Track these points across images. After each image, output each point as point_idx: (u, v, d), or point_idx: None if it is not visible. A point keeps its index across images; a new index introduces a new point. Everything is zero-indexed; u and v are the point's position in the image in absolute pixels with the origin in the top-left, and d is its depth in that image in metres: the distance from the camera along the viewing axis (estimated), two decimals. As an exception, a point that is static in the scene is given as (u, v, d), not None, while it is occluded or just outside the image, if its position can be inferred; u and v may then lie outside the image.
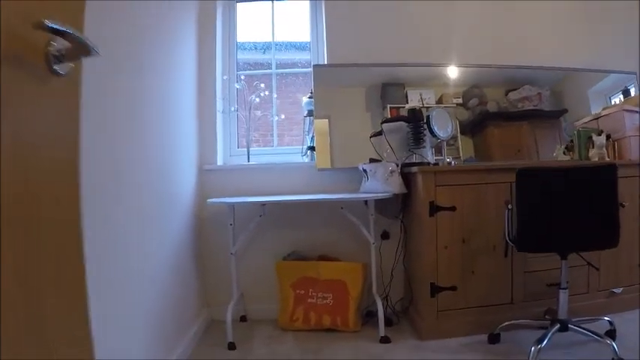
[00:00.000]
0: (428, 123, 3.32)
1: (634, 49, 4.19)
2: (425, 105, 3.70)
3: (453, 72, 3.79)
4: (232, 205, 3.30)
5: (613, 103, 4.09)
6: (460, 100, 3.77)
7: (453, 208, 3.07)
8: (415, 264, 3.34)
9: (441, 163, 3.34)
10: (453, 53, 3.84)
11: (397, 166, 3.23)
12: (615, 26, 4.15)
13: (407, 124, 3.42)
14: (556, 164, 3.27)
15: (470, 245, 3.07)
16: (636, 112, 3.63)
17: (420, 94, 3.72)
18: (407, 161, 3.37)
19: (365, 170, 3.33)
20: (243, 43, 4.04)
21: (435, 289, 3.05)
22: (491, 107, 3.80)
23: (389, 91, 3.74)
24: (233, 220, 3.28)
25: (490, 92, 3.83)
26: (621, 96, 4.09)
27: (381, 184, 3.23)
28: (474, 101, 3.84)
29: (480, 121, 3.80)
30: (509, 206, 2.71)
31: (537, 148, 3.88)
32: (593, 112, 3.92)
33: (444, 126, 3.40)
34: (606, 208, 2.53)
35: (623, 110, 3.61)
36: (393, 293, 3.55)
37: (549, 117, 3.93)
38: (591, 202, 2.49)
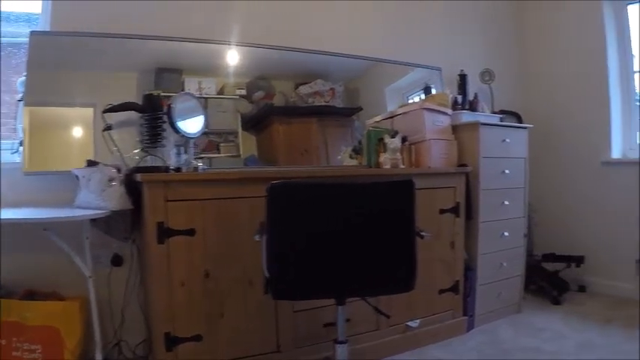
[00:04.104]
0: (169, 114, 2.44)
1: (440, 46, 3.96)
2: (204, 95, 3.08)
3: (237, 59, 3.22)
4: None
5: (411, 101, 3.68)
6: (244, 92, 3.21)
7: (190, 232, 2.27)
8: (150, 304, 2.50)
9: (185, 169, 2.46)
10: (234, 33, 3.19)
11: (119, 171, 2.32)
12: (421, 21, 3.95)
13: (141, 114, 2.52)
14: (333, 176, 2.76)
15: (217, 280, 2.34)
16: (439, 111, 3.06)
17: (199, 83, 3.08)
18: (142, 165, 2.47)
19: (77, 177, 2.40)
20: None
21: (172, 341, 2.26)
22: (278, 101, 3.30)
23: (164, 78, 3.00)
24: None
25: (279, 85, 3.35)
26: (422, 94, 3.67)
27: (95, 196, 2.32)
28: (259, 94, 3.24)
29: (265, 115, 3.24)
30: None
31: (327, 148, 3.40)
32: (389, 111, 3.47)
33: (192, 118, 2.56)
34: (398, 239, 1.95)
35: (423, 109, 3.04)
36: (132, 335, 2.75)
37: (342, 115, 3.50)
38: (377, 233, 1.93)
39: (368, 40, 3.60)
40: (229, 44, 3.14)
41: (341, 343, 2.09)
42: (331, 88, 3.43)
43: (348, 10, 3.57)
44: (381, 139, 2.90)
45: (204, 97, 3.06)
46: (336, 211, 1.90)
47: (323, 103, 3.40)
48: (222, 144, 3.14)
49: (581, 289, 3.97)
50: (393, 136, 2.86)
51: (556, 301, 3.65)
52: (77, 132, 2.83)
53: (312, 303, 2.52)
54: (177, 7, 3.02)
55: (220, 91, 3.16)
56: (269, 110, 3.23)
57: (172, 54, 3.02)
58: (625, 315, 3.36)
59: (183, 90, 2.95)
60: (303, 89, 3.38)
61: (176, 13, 3.02)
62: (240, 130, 3.18)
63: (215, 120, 3.10)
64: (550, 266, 3.88)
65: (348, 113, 3.51)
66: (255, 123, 3.22)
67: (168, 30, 2.94)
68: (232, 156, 3.14)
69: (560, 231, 4.21)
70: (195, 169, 2.49)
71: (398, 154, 2.85)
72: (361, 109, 3.53)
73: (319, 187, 1.94)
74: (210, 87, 3.13)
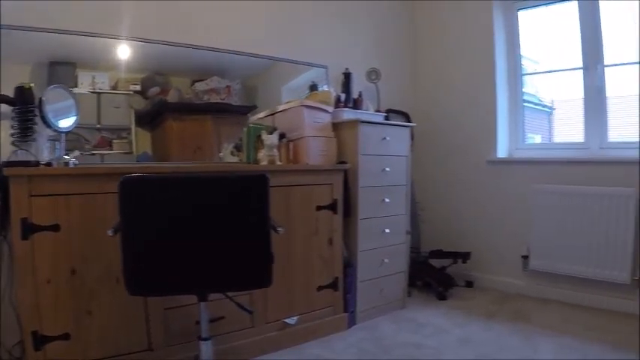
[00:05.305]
0: (40, 107, 2.40)
1: (332, 45, 4.01)
2: (97, 90, 3.02)
3: (132, 54, 3.15)
4: None
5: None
6: (139, 87, 3.16)
7: (55, 227, 2.24)
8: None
9: (56, 164, 2.43)
10: (129, 27, 3.13)
11: (-18, 166, 2.27)
12: (313, 21, 3.96)
13: (12, 107, 2.47)
14: (202, 172, 2.80)
15: (83, 277, 2.31)
16: (319, 109, 3.13)
17: (93, 78, 3.01)
18: (13, 159, 2.42)
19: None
20: None
21: (40, 340, 2.22)
22: (172, 97, 3.25)
23: (58, 71, 2.92)
24: None
25: (176, 82, 3.31)
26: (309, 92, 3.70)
27: (-42, 191, 2.25)
28: (154, 89, 3.19)
29: (159, 112, 3.20)
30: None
31: (221, 146, 3.37)
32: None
33: (64, 112, 2.53)
34: (252, 234, 1.97)
35: (303, 106, 3.06)
36: (8, 336, 2.59)
37: (237, 113, 3.50)
38: (231, 227, 1.95)
39: (263, 39, 3.60)
40: (124, 39, 3.09)
41: (205, 340, 2.10)
42: (227, 86, 3.43)
43: (242, 8, 3.57)
44: (260, 136, 2.94)
45: (97, 92, 3.01)
46: (187, 205, 1.91)
47: (219, 101, 3.40)
48: (115, 140, 3.08)
49: (469, 284, 4.13)
50: (270, 133, 2.90)
51: (442, 297, 3.77)
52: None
53: (184, 300, 2.49)
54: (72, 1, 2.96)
55: (114, 87, 3.09)
56: (163, 106, 3.20)
57: (66, 47, 2.93)
58: (509, 309, 3.50)
59: (76, 84, 2.93)
60: (199, 86, 3.36)
61: (70, 5, 2.94)
62: (133, 126, 3.14)
63: (108, 116, 3.06)
64: (437, 263, 4.01)
65: (243, 111, 3.51)
66: (150, 119, 3.18)
67: (61, 22, 2.87)
68: (125, 153, 3.09)
69: (447, 228, 4.36)
70: (66, 164, 2.45)
71: (275, 150, 2.88)
72: (256, 107, 3.54)
73: (169, 180, 1.93)
74: (104, 82, 3.06)
